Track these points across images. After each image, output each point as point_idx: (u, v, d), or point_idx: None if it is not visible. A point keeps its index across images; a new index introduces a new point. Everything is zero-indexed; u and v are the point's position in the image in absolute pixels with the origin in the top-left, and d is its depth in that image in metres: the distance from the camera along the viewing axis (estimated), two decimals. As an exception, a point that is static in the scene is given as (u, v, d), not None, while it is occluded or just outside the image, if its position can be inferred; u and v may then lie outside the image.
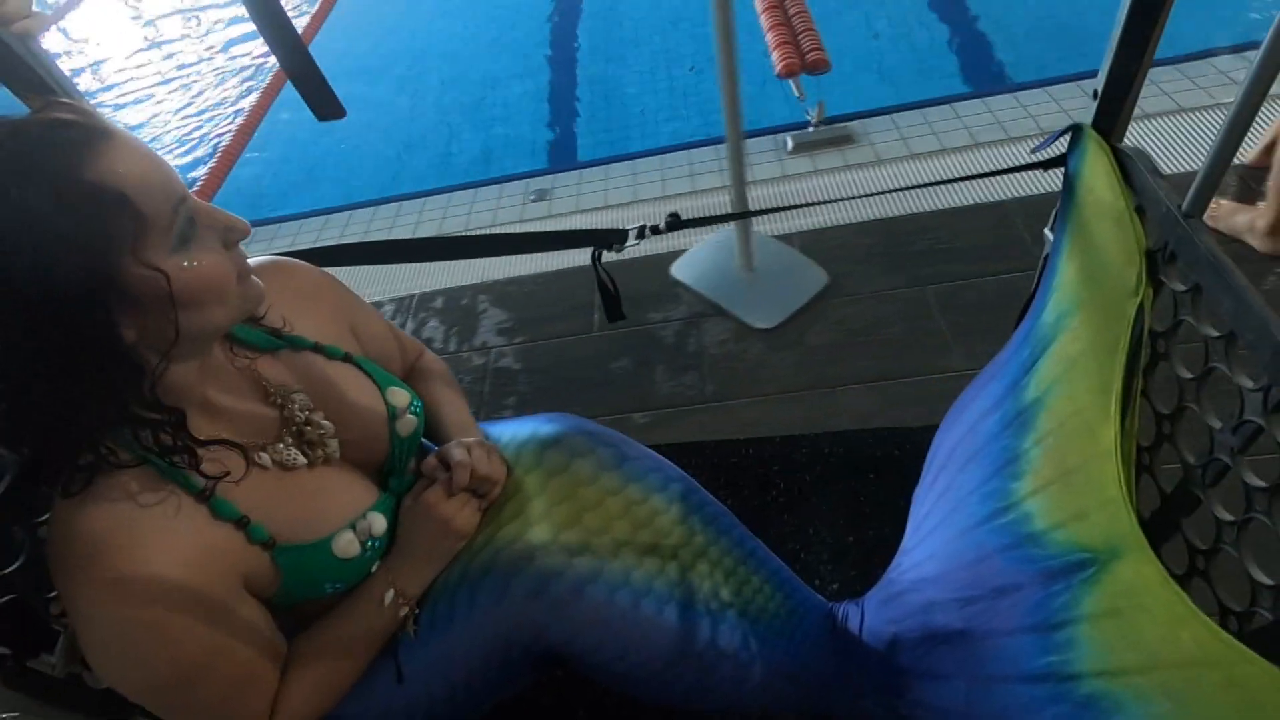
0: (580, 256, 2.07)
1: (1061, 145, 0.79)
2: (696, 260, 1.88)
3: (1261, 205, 1.54)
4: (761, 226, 1.94)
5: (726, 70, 1.32)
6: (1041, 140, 0.78)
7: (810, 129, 2.36)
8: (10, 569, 0.63)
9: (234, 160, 3.08)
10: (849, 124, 2.34)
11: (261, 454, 0.69)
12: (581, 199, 2.40)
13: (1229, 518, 0.59)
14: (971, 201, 1.88)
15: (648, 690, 0.79)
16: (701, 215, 0.85)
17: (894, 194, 1.96)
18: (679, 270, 1.86)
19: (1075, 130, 0.74)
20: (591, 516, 0.76)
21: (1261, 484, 0.54)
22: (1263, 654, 0.49)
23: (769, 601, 0.83)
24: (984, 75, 2.86)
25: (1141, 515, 0.75)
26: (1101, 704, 0.60)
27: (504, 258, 2.04)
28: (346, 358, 0.81)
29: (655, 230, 0.85)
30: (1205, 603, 0.63)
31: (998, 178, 1.86)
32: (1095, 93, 0.70)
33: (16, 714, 0.64)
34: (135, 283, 0.54)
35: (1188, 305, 0.62)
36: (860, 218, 1.93)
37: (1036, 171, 0.82)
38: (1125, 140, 0.73)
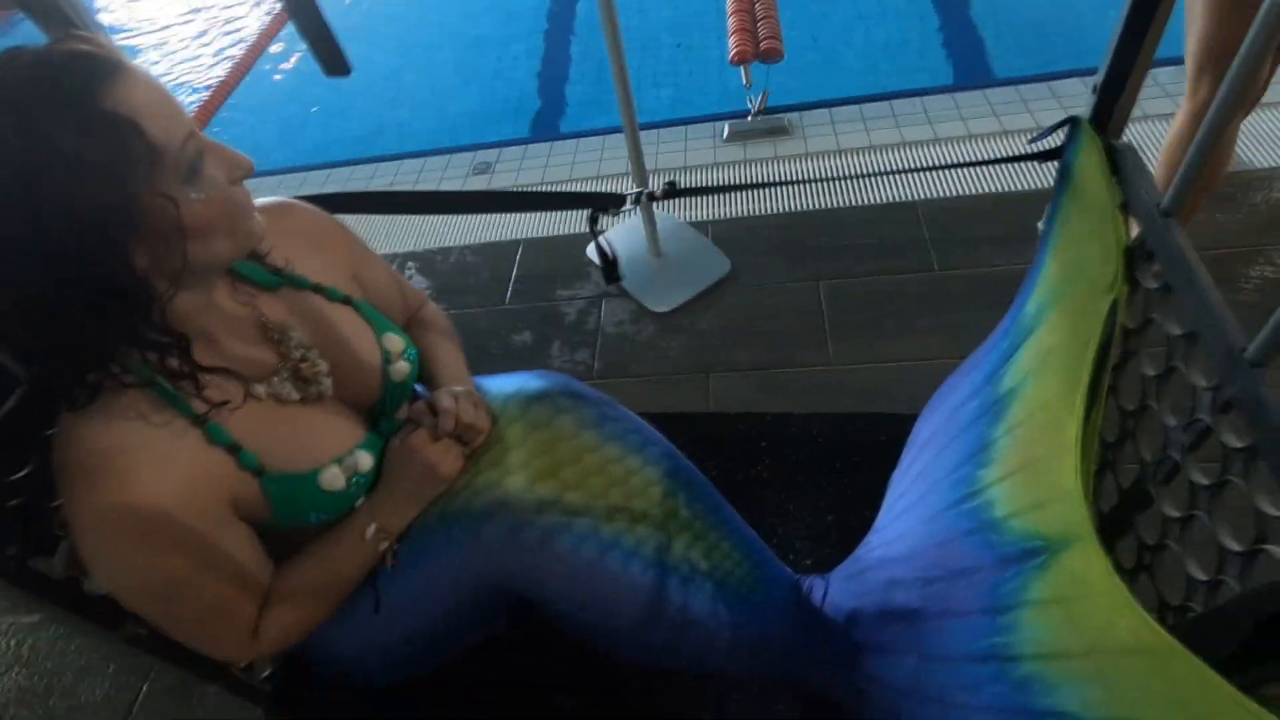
0: (515, 229, 2.15)
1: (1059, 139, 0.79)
2: (611, 242, 1.94)
3: None
4: (683, 213, 1.99)
5: (617, 66, 1.39)
6: (1037, 132, 0.78)
7: (749, 118, 2.40)
8: (18, 475, 0.68)
9: (213, 112, 3.18)
10: (787, 115, 2.40)
11: (257, 386, 0.73)
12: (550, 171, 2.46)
13: (1174, 514, 0.60)
14: (885, 201, 1.92)
15: (614, 644, 0.83)
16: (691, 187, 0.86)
17: (817, 188, 2.00)
18: (593, 251, 1.88)
19: (1073, 123, 0.74)
20: (568, 471, 0.79)
21: (1205, 482, 0.55)
22: (1191, 647, 0.50)
23: (736, 567, 0.85)
24: (930, 74, 2.86)
25: (1101, 510, 0.76)
26: (1036, 685, 0.61)
27: (441, 226, 2.13)
28: (346, 300, 0.84)
29: (652, 197, 0.87)
30: (1148, 597, 0.64)
31: (911, 176, 1.90)
32: (1094, 87, 0.70)
33: (37, 616, 0.69)
34: (149, 210, 0.57)
35: (1157, 303, 0.62)
36: (782, 209, 1.98)
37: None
38: (1128, 139, 0.73)
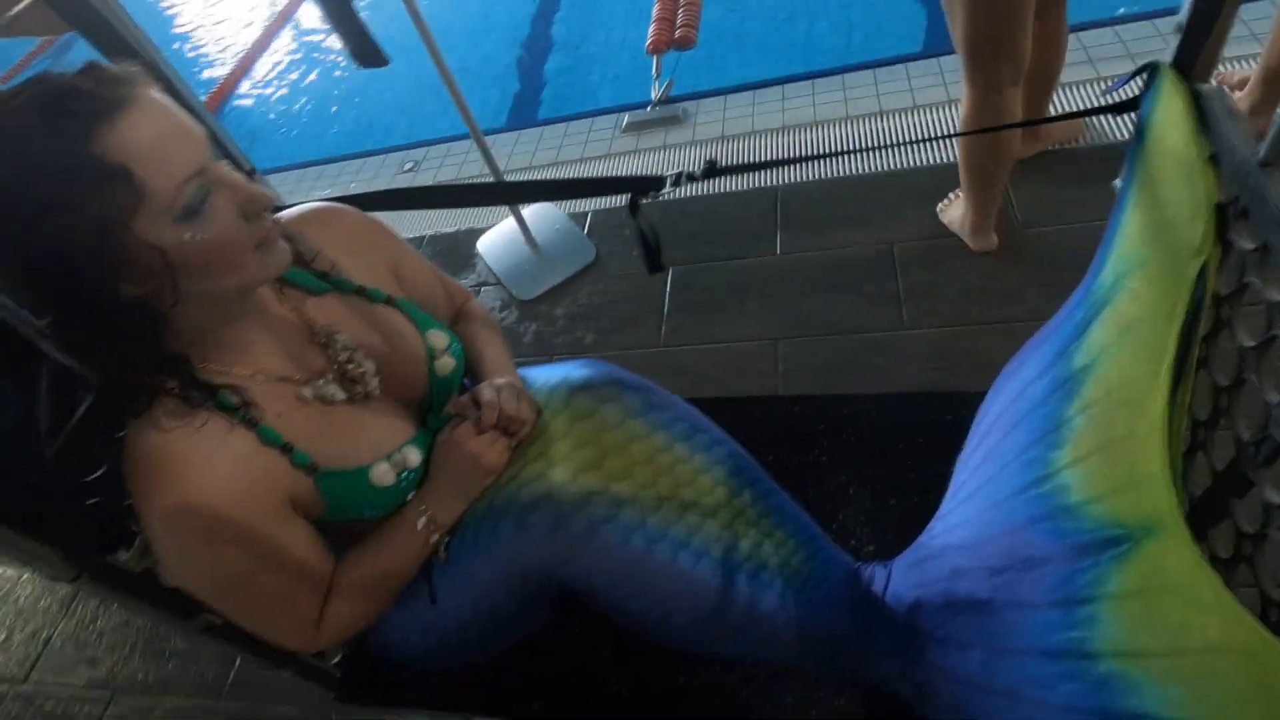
0: (420, 227, 2.25)
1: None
2: (497, 234, 2.05)
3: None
4: (566, 206, 2.10)
5: (441, 67, 1.45)
6: (1114, 81, 0.71)
7: (648, 109, 2.46)
8: (94, 476, 0.72)
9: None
10: (683, 104, 2.46)
11: (305, 389, 0.75)
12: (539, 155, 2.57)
13: (1277, 500, 0.54)
14: (749, 188, 1.98)
15: (664, 634, 0.82)
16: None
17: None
18: (480, 242, 2.07)
19: (1152, 69, 0.67)
20: (614, 461, 0.78)
21: (1313, 467, 0.49)
22: (1294, 643, 0.45)
23: (792, 556, 0.83)
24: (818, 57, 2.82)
25: (1192, 495, 0.70)
26: (1117, 685, 0.57)
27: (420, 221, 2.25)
28: (389, 300, 0.85)
29: (691, 177, 0.84)
30: (1249, 589, 0.58)
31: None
32: (1178, 26, 0.63)
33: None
34: (134, 251, 0.58)
35: (1255, 266, 0.56)
36: (660, 198, 2.00)
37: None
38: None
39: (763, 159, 2.04)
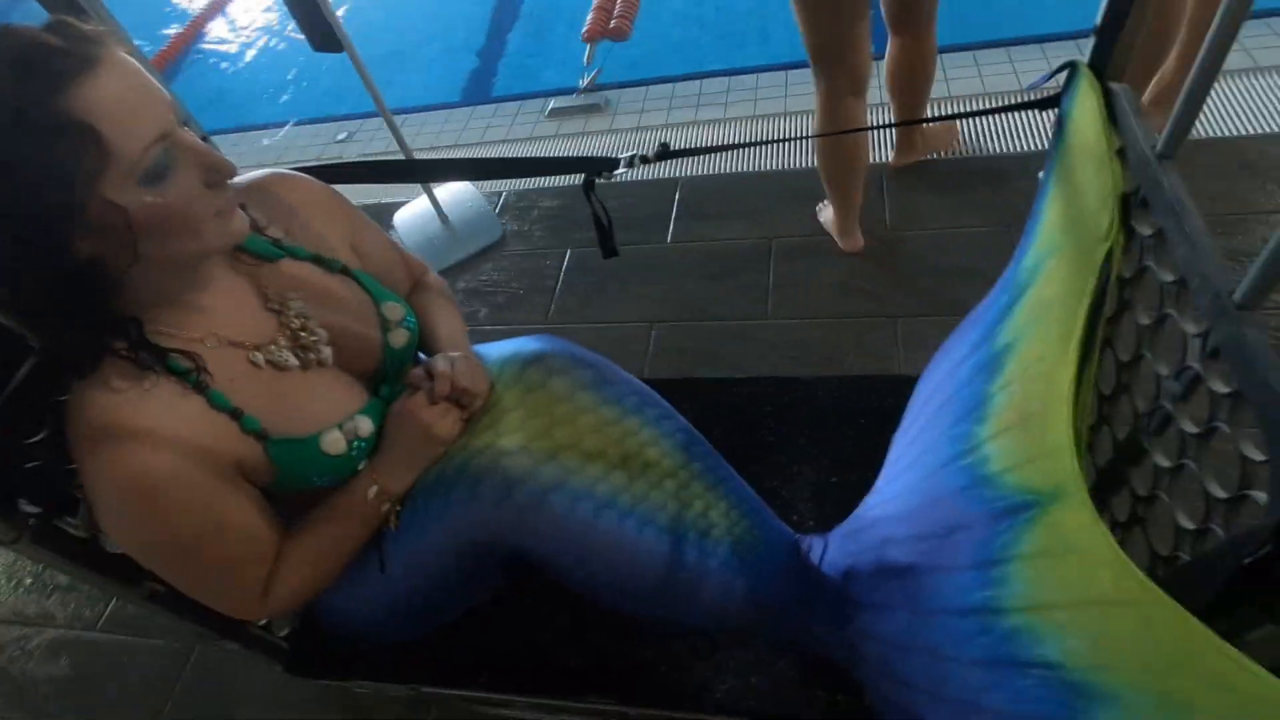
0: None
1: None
2: (414, 208, 2.14)
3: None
4: (483, 185, 2.20)
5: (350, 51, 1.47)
6: (1035, 80, 0.76)
7: (574, 95, 2.58)
8: (34, 439, 0.71)
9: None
10: (606, 93, 2.58)
11: (256, 354, 0.75)
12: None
13: (1165, 464, 0.59)
14: (655, 178, 2.09)
15: (613, 599, 0.84)
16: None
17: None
18: (397, 215, 2.16)
19: (1071, 67, 0.72)
20: (563, 431, 0.80)
21: (1194, 430, 0.54)
22: (1175, 596, 0.49)
23: (735, 526, 0.86)
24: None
25: (1098, 466, 0.75)
26: (1023, 636, 0.61)
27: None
28: (344, 270, 0.85)
29: (645, 159, 0.86)
30: (1140, 549, 0.64)
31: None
32: (1094, 27, 0.67)
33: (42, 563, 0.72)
34: (94, 210, 0.58)
35: (1151, 251, 0.60)
36: (567, 184, 2.15)
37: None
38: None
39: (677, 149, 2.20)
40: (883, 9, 1.58)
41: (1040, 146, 1.87)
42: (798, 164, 2.05)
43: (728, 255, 1.82)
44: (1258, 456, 0.46)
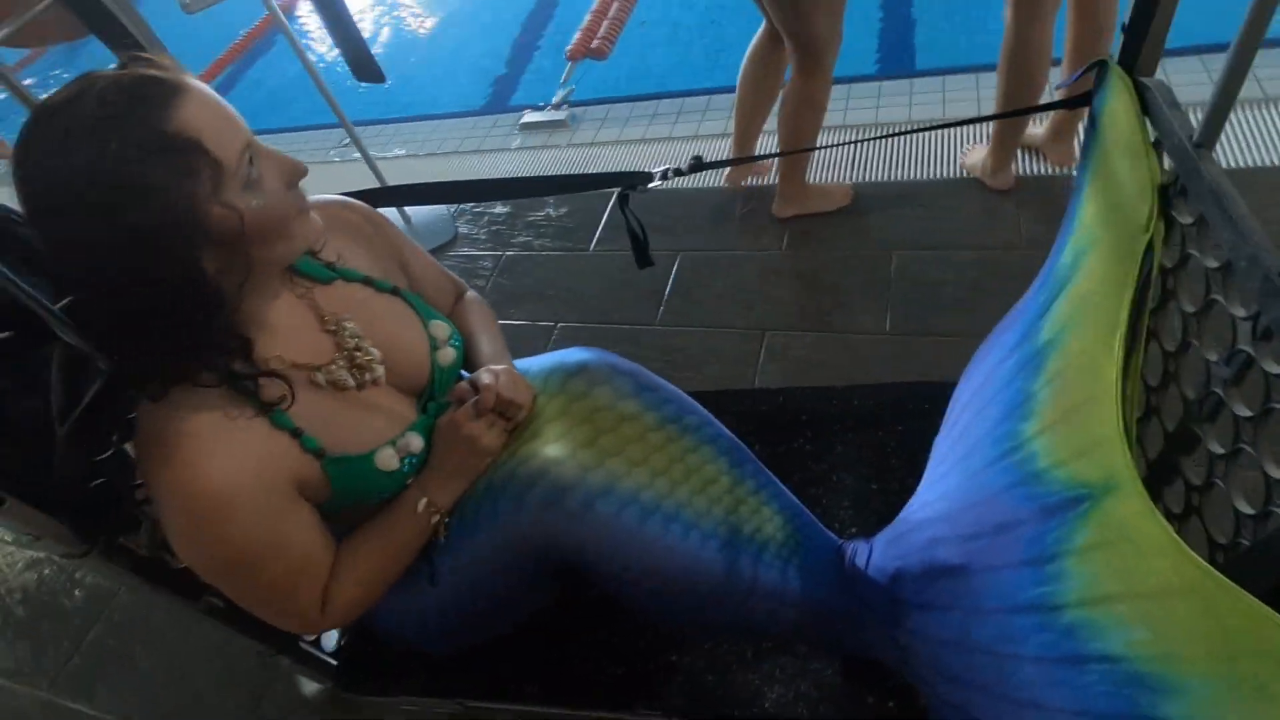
0: None
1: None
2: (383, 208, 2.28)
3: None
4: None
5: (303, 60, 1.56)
6: (1067, 79, 0.77)
7: (544, 110, 2.74)
8: (102, 457, 0.74)
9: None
10: (572, 110, 2.72)
11: (316, 374, 0.78)
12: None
13: (1220, 451, 0.58)
14: (597, 192, 2.12)
15: (662, 607, 0.84)
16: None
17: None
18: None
19: (1101, 66, 0.73)
20: (608, 439, 0.81)
21: (1248, 413, 0.54)
22: (1238, 581, 0.49)
23: (778, 531, 0.86)
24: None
25: (1148, 459, 0.74)
26: (1082, 631, 0.61)
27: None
28: (394, 291, 0.88)
29: (678, 172, 0.88)
30: (1198, 540, 0.63)
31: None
32: (1122, 26, 0.68)
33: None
34: (216, 220, 0.62)
35: (1193, 238, 0.61)
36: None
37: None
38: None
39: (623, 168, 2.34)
40: None
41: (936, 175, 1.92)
42: (708, 184, 2.17)
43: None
44: (1318, 434, 0.45)
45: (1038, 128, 1.82)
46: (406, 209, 2.27)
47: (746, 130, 1.92)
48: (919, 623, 0.79)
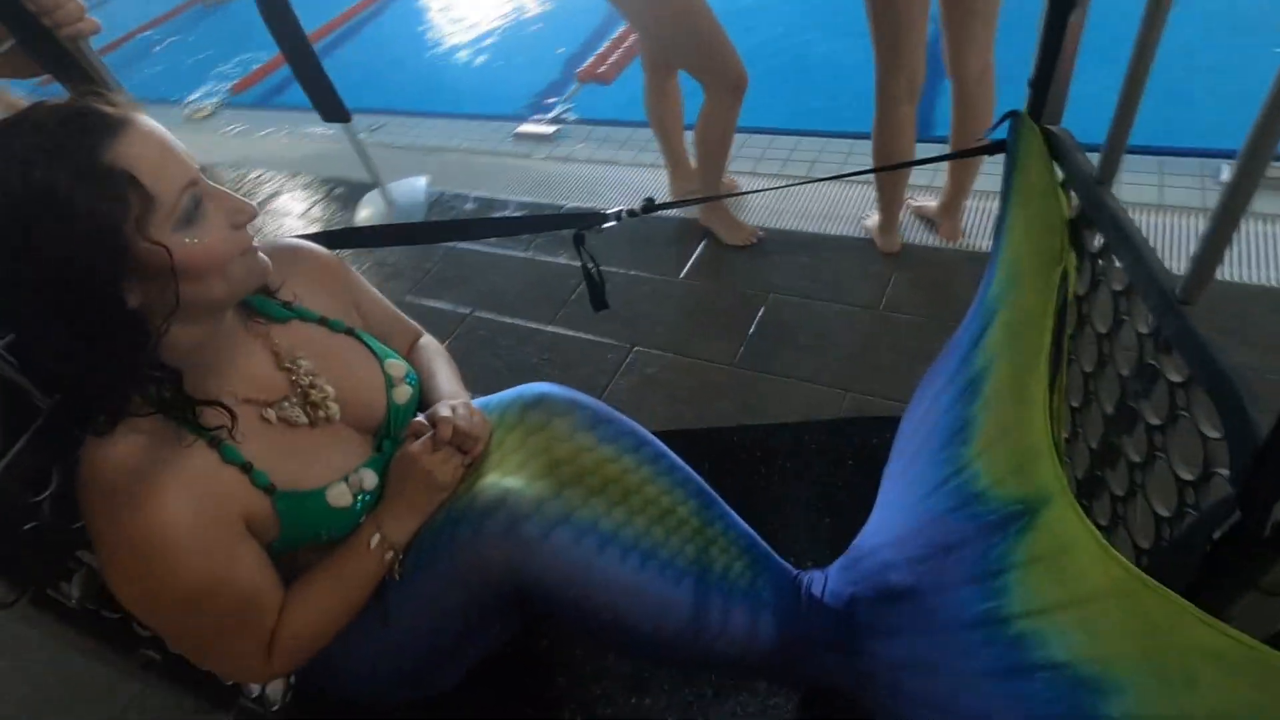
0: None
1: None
2: (373, 194, 2.56)
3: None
4: (435, 183, 2.65)
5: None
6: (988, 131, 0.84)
7: (537, 121, 2.99)
8: (41, 497, 0.71)
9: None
10: (561, 127, 2.94)
11: (268, 410, 0.77)
12: None
13: (1138, 459, 0.63)
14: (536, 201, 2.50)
15: (615, 638, 0.84)
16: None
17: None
18: (363, 199, 2.61)
19: (1014, 116, 0.80)
20: (566, 470, 0.82)
21: (1158, 421, 0.58)
22: (1160, 579, 0.52)
23: (735, 562, 0.87)
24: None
25: (1076, 476, 0.79)
26: (1028, 641, 0.63)
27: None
28: (349, 331, 0.89)
29: (632, 213, 0.92)
30: (1125, 548, 0.67)
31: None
32: (1029, 81, 0.76)
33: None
34: (141, 254, 0.62)
35: (1100, 267, 0.66)
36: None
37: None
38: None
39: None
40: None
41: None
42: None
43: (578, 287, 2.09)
44: (1215, 434, 0.50)
45: (932, 200, 1.95)
46: (392, 195, 2.50)
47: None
48: (876, 648, 0.81)
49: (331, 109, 0.98)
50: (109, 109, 0.62)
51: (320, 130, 3.04)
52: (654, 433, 0.95)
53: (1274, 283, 1.58)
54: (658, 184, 2.35)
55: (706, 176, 1.96)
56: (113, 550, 0.67)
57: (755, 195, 2.17)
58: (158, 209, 0.62)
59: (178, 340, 0.69)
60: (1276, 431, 0.41)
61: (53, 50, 0.75)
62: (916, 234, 1.95)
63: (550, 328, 1.90)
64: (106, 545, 0.67)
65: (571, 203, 2.43)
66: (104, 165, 0.60)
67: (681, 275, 1.99)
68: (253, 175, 3.04)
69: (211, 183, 0.67)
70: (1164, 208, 1.88)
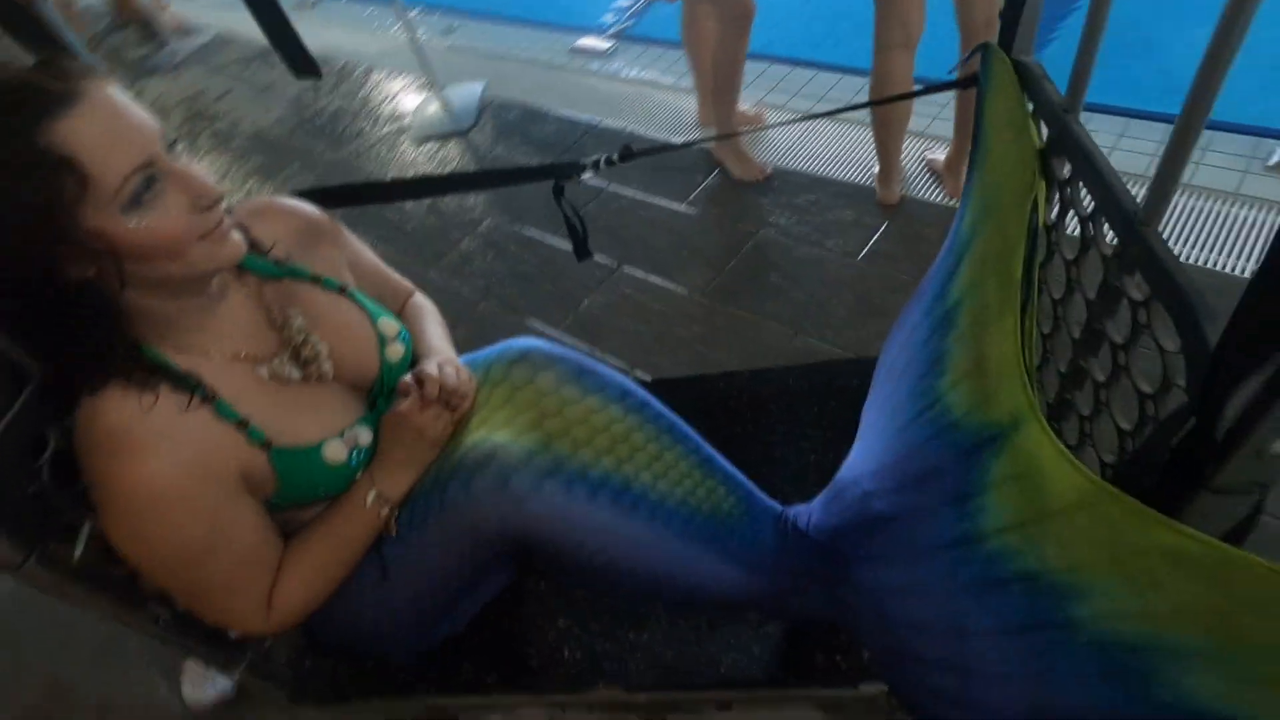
0: None
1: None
2: (434, 93, 2.85)
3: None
4: (490, 89, 2.91)
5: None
6: (956, 63, 0.85)
7: (598, 36, 3.10)
8: (40, 461, 0.72)
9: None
10: (618, 43, 3.04)
11: (261, 368, 0.78)
12: None
13: (1102, 379, 0.65)
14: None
15: (609, 582, 0.87)
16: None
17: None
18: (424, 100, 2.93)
19: (985, 49, 0.81)
20: (553, 422, 0.84)
21: (1120, 340, 0.61)
22: (1122, 488, 0.55)
23: (723, 501, 0.90)
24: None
25: (1047, 400, 0.82)
26: (1002, 556, 0.66)
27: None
28: (342, 290, 0.89)
29: (610, 162, 0.92)
30: (1091, 464, 0.70)
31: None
32: (1000, 13, 0.76)
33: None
34: (80, 236, 0.61)
35: (1068, 194, 0.68)
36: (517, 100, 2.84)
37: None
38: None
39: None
40: None
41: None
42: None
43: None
44: (1173, 347, 0.52)
45: (940, 154, 1.94)
46: (448, 97, 2.77)
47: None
48: (860, 575, 0.84)
49: (303, 63, 0.95)
50: (55, 83, 0.60)
51: (397, 29, 3.13)
52: (624, 373, 0.97)
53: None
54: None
55: (717, 106, 1.97)
56: (110, 505, 0.68)
57: (775, 132, 2.18)
58: (97, 193, 0.61)
59: (149, 306, 0.70)
60: (1225, 338, 0.43)
61: (7, 7, 0.73)
62: (924, 189, 1.95)
63: (551, 239, 1.97)
64: (104, 501, 0.69)
65: (610, 122, 2.47)
66: (38, 148, 0.58)
67: (685, 204, 2.04)
68: (338, 65, 3.26)
69: (176, 162, 0.66)
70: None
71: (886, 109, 1.66)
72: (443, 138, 2.74)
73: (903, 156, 1.98)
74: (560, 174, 0.92)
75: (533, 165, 0.84)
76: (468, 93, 2.85)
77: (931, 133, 2.11)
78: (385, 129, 2.88)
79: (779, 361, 1.60)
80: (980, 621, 0.69)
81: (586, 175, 0.91)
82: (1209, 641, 0.48)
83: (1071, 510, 0.62)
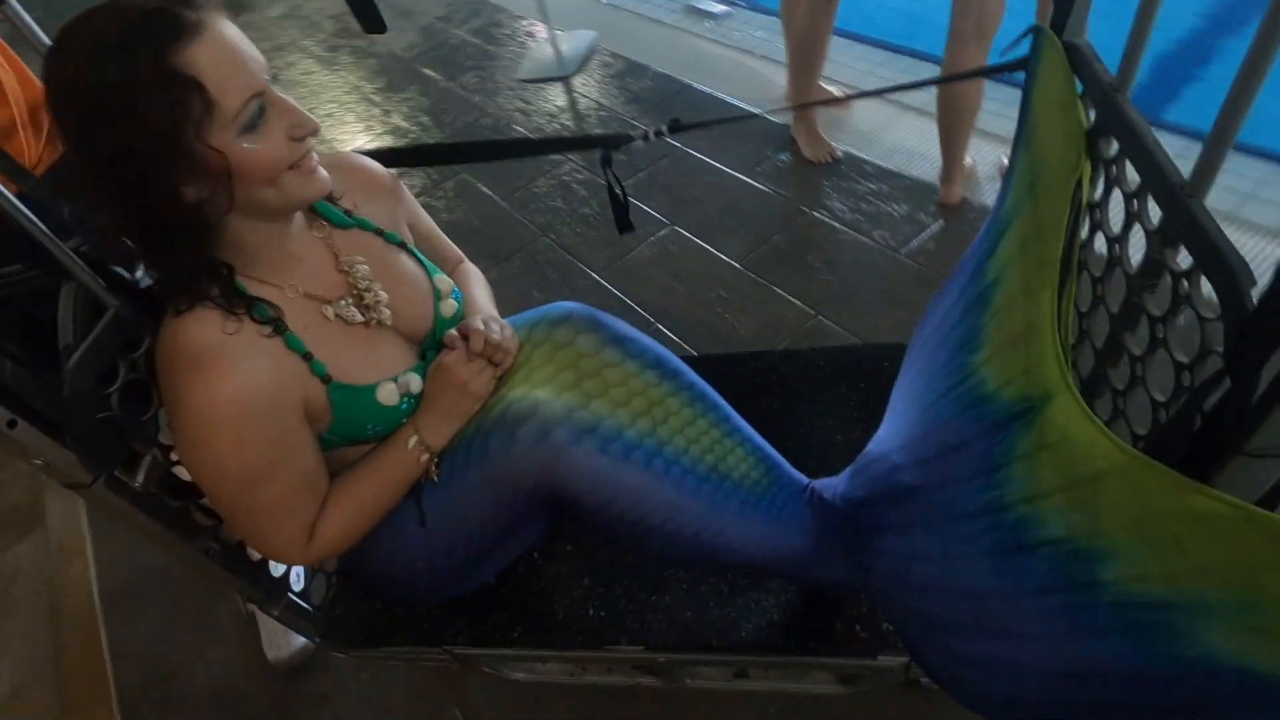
0: None
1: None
2: (544, 44, 2.95)
3: None
4: (605, 38, 3.03)
5: None
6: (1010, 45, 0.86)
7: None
8: (111, 389, 0.76)
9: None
10: (720, 6, 3.05)
11: (327, 307, 0.83)
12: None
13: (1138, 352, 0.66)
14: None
15: (637, 539, 0.89)
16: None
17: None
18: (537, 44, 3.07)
19: (1037, 31, 0.82)
20: (591, 383, 0.87)
21: (1159, 312, 0.62)
22: (1154, 455, 0.56)
23: (751, 470, 0.92)
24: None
25: (1082, 376, 0.83)
26: (1027, 523, 0.68)
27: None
28: (402, 245, 0.93)
29: (659, 134, 0.95)
30: (1123, 434, 0.71)
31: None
32: (1054, -3, 0.77)
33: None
34: (199, 154, 0.66)
35: (1114, 173, 0.69)
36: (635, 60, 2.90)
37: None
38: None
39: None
40: None
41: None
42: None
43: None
44: (1212, 315, 0.53)
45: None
46: (562, 47, 2.85)
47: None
48: (883, 543, 0.86)
49: (371, 18, 1.00)
50: (187, 12, 0.65)
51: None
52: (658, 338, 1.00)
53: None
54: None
55: (795, 80, 1.95)
56: (185, 420, 0.72)
57: (852, 117, 2.16)
58: (220, 114, 0.66)
59: (241, 235, 0.75)
60: (1265, 302, 0.45)
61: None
62: (992, 193, 1.90)
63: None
64: (179, 415, 0.73)
65: (702, 86, 2.51)
66: (170, 68, 0.63)
67: (750, 175, 2.06)
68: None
69: (281, 93, 0.71)
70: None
71: (951, 102, 1.63)
72: (546, 81, 2.85)
73: (970, 157, 1.93)
74: (609, 144, 0.95)
75: (582, 136, 0.87)
76: (579, 39, 2.96)
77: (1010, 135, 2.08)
78: (497, 66, 3.04)
79: (789, 337, 1.64)
80: (1001, 584, 0.70)
81: (636, 144, 0.93)
82: (1229, 595, 0.50)
83: (1101, 478, 0.63)
